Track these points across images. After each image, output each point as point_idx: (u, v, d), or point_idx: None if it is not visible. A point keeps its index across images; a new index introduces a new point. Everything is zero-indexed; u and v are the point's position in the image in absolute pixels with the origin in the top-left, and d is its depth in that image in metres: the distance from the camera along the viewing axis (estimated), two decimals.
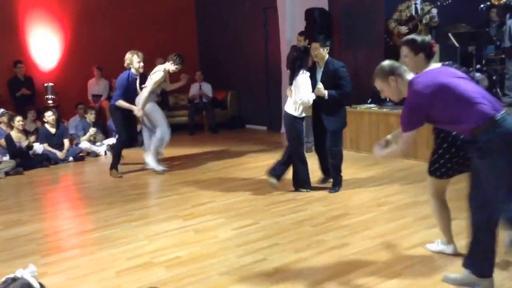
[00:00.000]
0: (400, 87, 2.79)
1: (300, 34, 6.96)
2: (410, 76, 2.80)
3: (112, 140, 8.11)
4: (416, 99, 2.66)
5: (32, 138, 7.30)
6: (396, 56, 7.68)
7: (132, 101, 6.12)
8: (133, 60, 6.10)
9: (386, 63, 2.90)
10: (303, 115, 4.98)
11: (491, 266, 2.81)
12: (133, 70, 6.16)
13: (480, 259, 2.81)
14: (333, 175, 5.11)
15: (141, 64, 6.15)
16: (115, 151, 6.48)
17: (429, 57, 2.93)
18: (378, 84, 2.87)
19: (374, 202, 4.63)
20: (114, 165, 6.29)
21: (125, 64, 6.15)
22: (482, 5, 6.73)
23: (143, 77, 6.30)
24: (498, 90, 6.79)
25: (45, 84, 9.13)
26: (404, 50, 3.01)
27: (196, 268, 3.35)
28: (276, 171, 5.11)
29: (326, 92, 4.81)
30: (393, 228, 3.90)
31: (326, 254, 3.50)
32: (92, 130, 7.94)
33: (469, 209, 2.80)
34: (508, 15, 6.12)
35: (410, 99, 2.70)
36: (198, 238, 3.93)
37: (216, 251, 3.65)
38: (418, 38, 3.02)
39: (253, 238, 3.86)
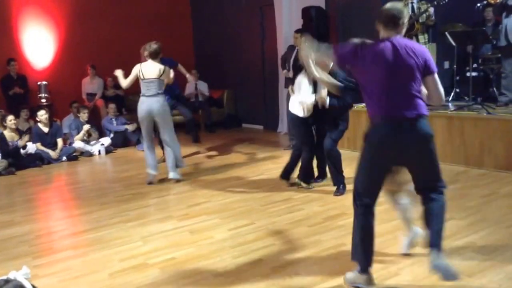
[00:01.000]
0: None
1: (297, 31, 6.90)
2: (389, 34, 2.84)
3: (106, 140, 8.03)
4: (360, 47, 2.83)
5: (27, 137, 7.22)
6: None
7: None
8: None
9: (390, 8, 2.85)
10: (307, 115, 4.91)
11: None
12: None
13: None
14: (334, 177, 5.01)
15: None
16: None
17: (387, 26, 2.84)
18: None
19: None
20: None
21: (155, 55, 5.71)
22: (478, 4, 6.70)
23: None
24: (495, 89, 6.78)
25: (39, 83, 9.04)
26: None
27: (191, 270, 3.30)
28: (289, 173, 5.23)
29: (327, 102, 4.69)
30: (389, 228, 3.86)
31: (322, 254, 3.46)
32: (86, 127, 7.84)
33: None
34: (504, 14, 6.10)
35: (356, 43, 2.86)
36: (193, 239, 3.87)
37: (211, 252, 3.60)
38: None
39: (249, 239, 3.81)
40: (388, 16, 2.81)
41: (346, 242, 3.62)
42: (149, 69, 5.48)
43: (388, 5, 2.86)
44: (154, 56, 5.54)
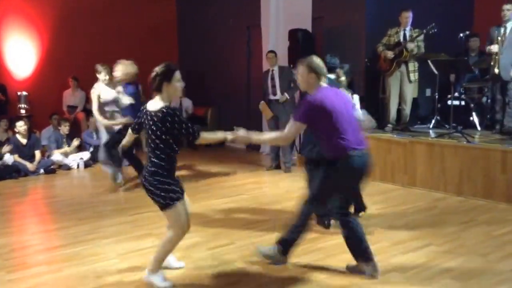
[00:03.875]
0: (312, 85, 3.29)
1: (270, 52, 7.21)
2: (323, 84, 3.32)
3: (85, 154, 7.92)
4: (316, 103, 3.20)
5: (8, 147, 7.07)
6: (376, 79, 7.82)
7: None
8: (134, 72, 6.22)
9: (316, 61, 3.33)
10: None
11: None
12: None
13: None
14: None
15: (107, 77, 6.11)
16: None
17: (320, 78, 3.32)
18: (301, 70, 3.32)
19: None
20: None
21: (125, 77, 6.17)
22: (461, 34, 6.88)
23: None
24: (475, 118, 6.90)
25: (19, 93, 8.91)
26: (300, 69, 3.37)
27: None
28: None
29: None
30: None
31: (301, 277, 3.44)
32: (76, 142, 7.82)
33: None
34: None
35: (311, 101, 3.23)
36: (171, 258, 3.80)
37: (190, 272, 3.54)
38: (314, 60, 3.35)
39: (228, 259, 3.77)
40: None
41: (324, 265, 3.63)
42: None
43: (314, 57, 3.35)
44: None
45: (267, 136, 3.63)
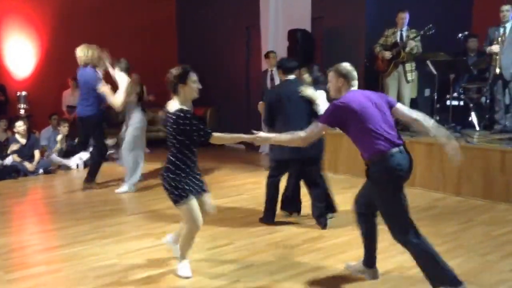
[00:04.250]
0: (342, 90, 3.24)
1: (272, 52, 7.31)
2: (353, 88, 3.26)
3: (85, 154, 7.91)
4: (342, 105, 3.12)
5: (15, 146, 7.07)
6: (375, 80, 7.84)
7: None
8: (100, 58, 6.16)
9: (346, 66, 3.30)
10: None
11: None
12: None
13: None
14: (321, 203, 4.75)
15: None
16: (96, 163, 6.24)
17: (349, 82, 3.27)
18: (330, 76, 3.31)
19: (350, 225, 4.59)
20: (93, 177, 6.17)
21: (91, 62, 6.12)
22: (460, 35, 6.89)
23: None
24: (474, 118, 6.92)
25: (18, 93, 8.90)
26: (330, 75, 3.34)
27: None
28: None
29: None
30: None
31: (300, 277, 3.45)
32: (59, 137, 7.73)
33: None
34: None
35: (337, 103, 3.15)
36: (170, 258, 3.80)
37: None
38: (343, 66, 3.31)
39: (227, 259, 3.78)
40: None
41: (324, 265, 3.63)
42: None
43: (344, 63, 3.32)
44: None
45: (286, 136, 3.36)
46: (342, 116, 3.10)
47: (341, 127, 3.20)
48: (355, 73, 3.28)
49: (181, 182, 3.29)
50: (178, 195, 3.29)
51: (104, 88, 5.87)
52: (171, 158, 3.31)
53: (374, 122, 3.04)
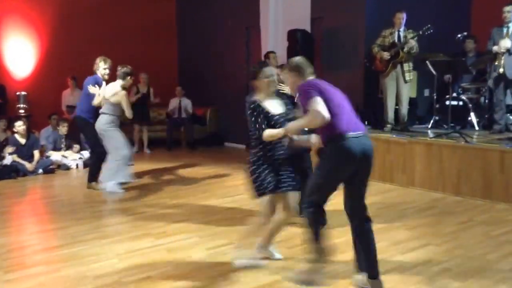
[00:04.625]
0: (297, 83, 3.22)
1: (272, 52, 7.27)
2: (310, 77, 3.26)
3: (85, 153, 7.91)
4: (308, 84, 3.13)
5: (11, 149, 7.07)
6: (375, 80, 7.84)
7: (94, 108, 6.00)
8: (100, 66, 6.02)
9: (297, 60, 3.32)
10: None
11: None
12: (99, 75, 6.05)
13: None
14: None
15: (107, 71, 6.04)
16: (94, 166, 6.22)
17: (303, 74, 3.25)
18: (284, 74, 3.35)
19: (348, 225, 4.59)
20: (93, 178, 6.16)
21: (94, 68, 6.08)
22: (458, 35, 6.90)
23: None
24: (473, 118, 6.93)
25: (18, 93, 8.90)
26: (283, 75, 3.41)
27: None
28: None
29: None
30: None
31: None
32: (62, 149, 7.80)
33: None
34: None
35: (305, 84, 3.14)
36: (170, 258, 3.81)
37: (188, 272, 3.54)
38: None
39: (227, 259, 3.77)
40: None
41: (325, 265, 3.62)
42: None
43: (296, 58, 3.34)
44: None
45: (305, 119, 3.14)
46: (316, 89, 3.04)
47: (304, 105, 3.09)
48: (308, 67, 3.25)
49: (260, 176, 3.43)
50: (255, 188, 3.47)
51: (92, 90, 5.90)
52: (252, 150, 3.53)
53: (334, 106, 3.00)
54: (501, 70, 6.20)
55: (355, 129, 3.02)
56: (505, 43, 6.17)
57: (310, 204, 3.17)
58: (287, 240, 4.21)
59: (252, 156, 3.53)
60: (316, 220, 3.21)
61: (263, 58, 8.25)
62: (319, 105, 2.96)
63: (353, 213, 3.24)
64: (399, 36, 6.66)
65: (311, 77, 3.25)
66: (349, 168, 3.03)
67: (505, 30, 6.24)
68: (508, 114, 6.70)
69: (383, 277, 3.41)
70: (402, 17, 6.62)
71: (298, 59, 3.34)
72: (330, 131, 3.01)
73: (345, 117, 3.04)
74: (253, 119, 3.39)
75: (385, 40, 6.74)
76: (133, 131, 8.98)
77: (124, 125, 6.65)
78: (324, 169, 3.09)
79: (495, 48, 6.28)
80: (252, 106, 3.41)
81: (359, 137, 3.01)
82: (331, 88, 3.15)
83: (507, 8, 6.22)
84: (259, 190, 3.46)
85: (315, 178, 3.15)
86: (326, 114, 2.95)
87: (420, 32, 6.46)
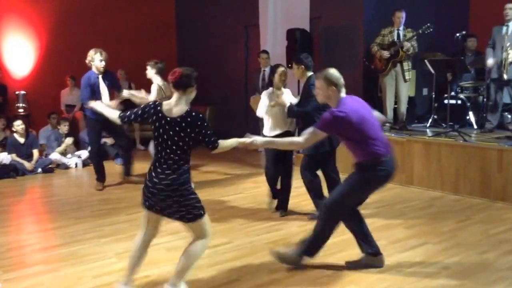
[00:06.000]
0: (332, 98, 3.29)
1: (263, 52, 7.30)
2: (343, 94, 3.31)
3: (84, 153, 7.92)
4: (343, 116, 3.18)
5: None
6: (374, 79, 7.84)
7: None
8: (95, 58, 5.91)
9: (334, 73, 3.33)
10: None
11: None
12: (93, 69, 5.95)
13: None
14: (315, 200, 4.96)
15: (103, 63, 5.93)
16: (94, 164, 6.32)
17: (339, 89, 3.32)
18: (319, 84, 3.33)
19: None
20: (98, 178, 6.20)
21: (87, 61, 5.95)
22: (457, 34, 6.90)
23: (109, 77, 6.05)
24: (471, 117, 6.94)
25: (17, 92, 8.89)
26: (318, 83, 3.37)
27: None
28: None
29: (286, 104, 4.60)
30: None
31: (299, 275, 3.45)
32: (69, 140, 7.75)
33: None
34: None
35: (337, 116, 3.19)
36: (169, 257, 3.81)
37: None
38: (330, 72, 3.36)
39: (226, 258, 3.78)
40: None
41: (323, 264, 3.63)
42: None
43: (331, 70, 3.35)
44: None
45: (283, 140, 3.70)
46: (340, 127, 3.20)
47: (338, 135, 3.38)
48: (342, 80, 3.33)
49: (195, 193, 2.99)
50: (201, 208, 3.02)
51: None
52: (184, 167, 2.96)
53: (370, 130, 3.23)
54: (505, 76, 6.18)
55: (388, 151, 3.31)
56: (489, 62, 6.29)
57: (341, 210, 3.45)
58: (286, 239, 4.22)
59: None
60: (336, 223, 3.48)
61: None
62: (312, 140, 3.33)
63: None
64: (398, 35, 6.66)
65: (343, 93, 3.31)
66: (380, 186, 3.42)
67: (504, 29, 6.24)
68: (507, 113, 6.71)
69: (381, 276, 3.44)
70: (401, 16, 6.63)
71: (335, 72, 3.34)
72: (369, 155, 3.25)
73: (380, 139, 3.28)
74: (207, 132, 3.08)
75: (385, 39, 6.74)
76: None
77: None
78: (361, 186, 3.38)
79: (489, 62, 6.34)
80: (202, 116, 3.10)
81: (391, 158, 3.32)
82: (363, 111, 3.27)
83: (509, 5, 6.20)
84: None
85: (349, 191, 3.39)
86: (302, 148, 3.59)
87: (420, 31, 6.46)
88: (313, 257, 3.53)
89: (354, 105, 3.27)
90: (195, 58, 10.66)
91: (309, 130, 3.33)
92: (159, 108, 2.97)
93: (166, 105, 2.98)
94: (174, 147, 2.92)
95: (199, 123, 2.95)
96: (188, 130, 2.91)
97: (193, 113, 2.95)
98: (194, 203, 2.99)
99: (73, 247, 4.06)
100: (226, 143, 3.22)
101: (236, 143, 3.32)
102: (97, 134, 6.10)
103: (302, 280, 3.38)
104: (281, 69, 4.81)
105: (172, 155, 2.92)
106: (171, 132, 2.90)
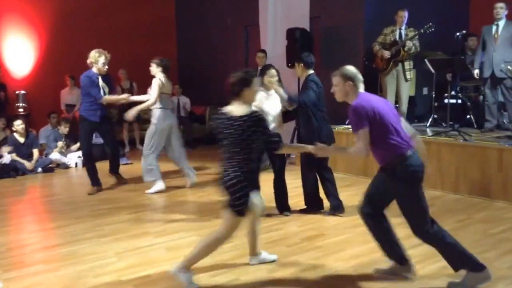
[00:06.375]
0: (349, 93, 3.20)
1: (261, 51, 7.25)
2: (361, 90, 3.22)
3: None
4: (367, 104, 3.09)
5: (7, 149, 7.07)
6: (374, 78, 7.83)
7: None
8: (99, 61, 5.89)
9: (351, 69, 3.25)
10: None
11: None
12: (94, 70, 5.90)
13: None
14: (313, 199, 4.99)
15: (106, 67, 5.93)
16: (86, 169, 6.18)
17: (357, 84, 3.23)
18: (336, 80, 3.24)
19: (349, 223, 4.61)
20: (92, 181, 6.06)
21: (88, 62, 5.91)
22: (457, 34, 6.89)
23: (107, 78, 6.04)
24: (472, 116, 6.94)
25: (17, 92, 8.89)
26: (335, 80, 3.28)
27: None
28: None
29: (282, 93, 4.61)
30: (367, 250, 3.87)
31: (299, 275, 3.45)
32: (60, 143, 7.72)
33: None
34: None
35: (361, 106, 3.09)
36: (169, 256, 3.82)
37: None
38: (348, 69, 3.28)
39: (226, 257, 3.78)
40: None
41: (323, 264, 3.64)
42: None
43: (348, 66, 3.26)
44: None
45: (350, 150, 3.35)
46: (369, 114, 3.05)
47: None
48: (360, 76, 3.24)
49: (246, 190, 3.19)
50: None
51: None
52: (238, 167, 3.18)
53: (394, 124, 3.10)
54: (496, 75, 6.22)
55: (410, 144, 3.13)
56: (476, 72, 6.40)
57: (428, 230, 3.19)
58: (286, 239, 4.22)
59: None
60: (441, 235, 3.21)
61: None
62: (364, 142, 3.07)
63: (375, 209, 3.35)
64: (400, 34, 6.66)
65: (361, 89, 3.23)
66: (422, 181, 3.18)
67: (494, 28, 6.26)
68: (503, 111, 6.72)
69: (381, 275, 3.43)
70: (404, 15, 6.61)
71: (351, 68, 3.25)
72: (393, 151, 3.08)
73: (402, 133, 3.12)
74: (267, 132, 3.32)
75: (386, 38, 6.74)
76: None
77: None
78: (413, 195, 3.16)
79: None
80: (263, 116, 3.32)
81: (415, 152, 3.13)
82: (382, 105, 3.15)
83: (499, 5, 6.22)
84: None
85: (416, 208, 3.18)
86: (366, 152, 3.11)
87: (422, 31, 6.45)
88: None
89: (374, 97, 3.20)
90: (195, 57, 10.67)
91: (357, 139, 3.13)
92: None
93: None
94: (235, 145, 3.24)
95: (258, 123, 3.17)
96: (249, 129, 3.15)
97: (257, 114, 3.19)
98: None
99: (73, 246, 4.06)
100: (290, 148, 3.61)
101: (300, 148, 3.64)
102: (88, 137, 5.96)
103: (302, 280, 3.38)
104: (271, 71, 4.72)
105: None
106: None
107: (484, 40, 6.36)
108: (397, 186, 3.15)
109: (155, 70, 5.86)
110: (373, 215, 3.31)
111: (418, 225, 3.17)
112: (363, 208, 3.34)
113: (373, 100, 3.15)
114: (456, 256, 3.19)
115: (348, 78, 3.19)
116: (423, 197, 3.17)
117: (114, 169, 6.34)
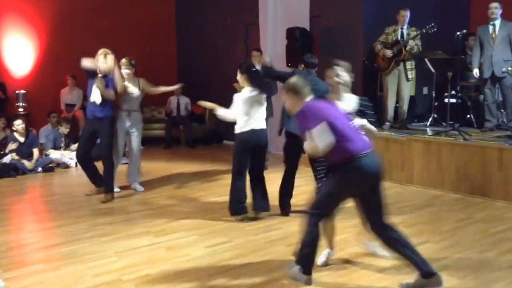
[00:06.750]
0: (296, 104, 3.23)
1: (256, 50, 7.24)
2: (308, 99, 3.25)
3: None
4: (311, 105, 3.18)
5: (14, 145, 7.07)
6: (374, 78, 7.82)
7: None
8: (99, 60, 5.96)
9: (292, 80, 3.32)
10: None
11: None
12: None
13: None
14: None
15: (105, 65, 5.97)
16: (83, 169, 6.06)
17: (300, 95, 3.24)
18: (283, 94, 3.29)
19: (347, 223, 4.60)
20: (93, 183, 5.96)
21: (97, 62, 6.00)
22: (458, 33, 6.89)
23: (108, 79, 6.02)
24: (472, 116, 6.94)
25: (17, 91, 8.89)
26: (282, 96, 3.31)
27: (166, 287, 3.24)
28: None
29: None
30: (365, 250, 3.87)
31: None
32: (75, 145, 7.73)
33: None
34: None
35: (307, 107, 3.16)
36: (169, 256, 3.82)
37: (187, 269, 3.55)
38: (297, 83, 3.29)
39: (226, 257, 3.78)
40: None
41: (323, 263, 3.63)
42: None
43: (293, 79, 3.33)
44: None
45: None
46: (318, 115, 3.07)
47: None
48: (304, 85, 3.26)
49: None
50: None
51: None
52: None
53: (340, 127, 3.08)
54: (496, 74, 6.22)
55: (363, 148, 3.09)
56: (475, 71, 6.40)
57: (318, 215, 3.18)
58: (286, 238, 4.22)
59: None
60: (318, 229, 3.19)
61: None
62: (320, 138, 3.03)
63: (378, 230, 3.25)
64: (402, 34, 6.65)
65: (309, 98, 3.23)
66: (361, 186, 3.13)
67: (491, 28, 6.26)
68: (503, 110, 6.72)
69: (381, 275, 3.43)
70: (405, 14, 6.61)
71: (294, 79, 3.31)
72: (342, 153, 3.06)
73: (353, 137, 3.11)
74: None
75: (388, 38, 6.73)
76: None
77: None
78: (337, 186, 3.15)
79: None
80: None
81: (368, 155, 3.08)
82: (332, 109, 3.20)
83: (493, 5, 6.22)
84: None
85: (328, 193, 3.18)
86: (324, 148, 3.05)
87: (424, 31, 6.45)
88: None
89: (319, 102, 3.23)
90: (195, 57, 10.67)
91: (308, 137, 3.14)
92: None
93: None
94: None
95: None
96: None
97: None
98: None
99: (73, 246, 4.06)
100: None
101: None
102: (87, 137, 5.77)
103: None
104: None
105: None
106: None
107: (481, 40, 6.36)
108: (332, 175, 3.19)
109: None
110: (382, 227, 3.27)
111: (315, 205, 3.20)
112: (371, 228, 3.26)
113: (322, 106, 3.18)
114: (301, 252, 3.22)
115: (290, 90, 3.24)
116: (342, 194, 3.17)
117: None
